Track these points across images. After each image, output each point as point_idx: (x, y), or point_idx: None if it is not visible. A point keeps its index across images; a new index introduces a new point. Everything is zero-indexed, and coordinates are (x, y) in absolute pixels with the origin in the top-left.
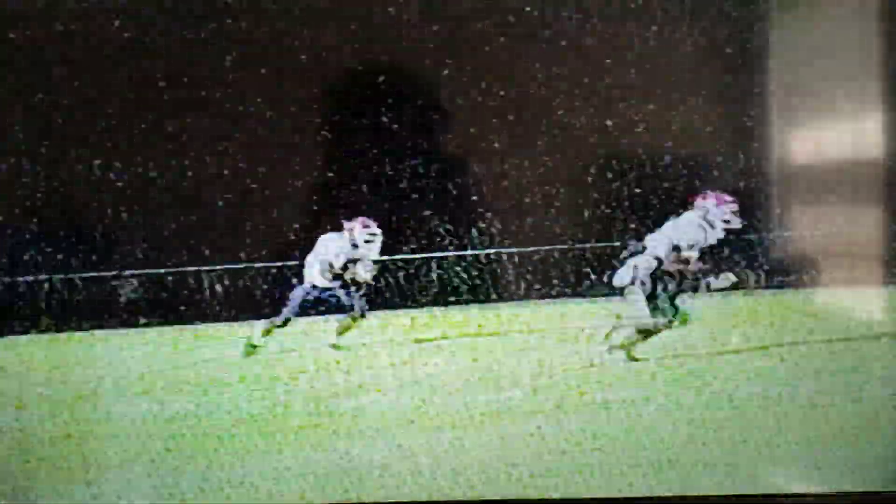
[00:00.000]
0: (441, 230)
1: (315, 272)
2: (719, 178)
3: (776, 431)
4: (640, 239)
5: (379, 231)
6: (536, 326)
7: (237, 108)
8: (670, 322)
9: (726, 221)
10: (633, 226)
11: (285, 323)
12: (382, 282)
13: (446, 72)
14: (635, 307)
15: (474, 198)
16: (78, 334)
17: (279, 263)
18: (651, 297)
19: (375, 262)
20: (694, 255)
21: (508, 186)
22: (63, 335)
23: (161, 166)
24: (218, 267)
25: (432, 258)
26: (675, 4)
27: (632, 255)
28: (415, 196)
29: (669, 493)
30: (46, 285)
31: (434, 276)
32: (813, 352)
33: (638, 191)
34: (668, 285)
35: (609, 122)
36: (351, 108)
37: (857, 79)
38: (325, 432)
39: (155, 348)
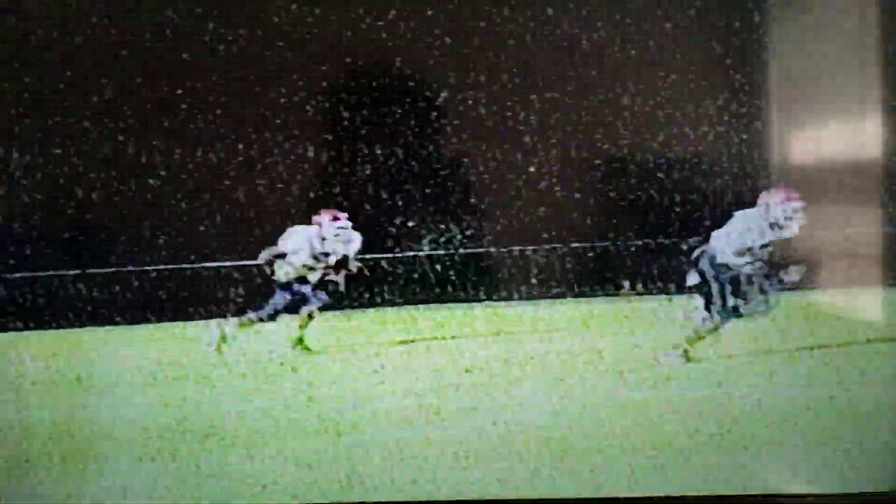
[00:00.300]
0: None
1: (288, 266)
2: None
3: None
4: (705, 238)
5: (349, 224)
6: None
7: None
8: (734, 317)
9: (788, 219)
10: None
11: (273, 316)
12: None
13: (443, 71)
14: (700, 305)
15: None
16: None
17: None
18: (716, 294)
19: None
20: (756, 251)
21: (522, 185)
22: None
23: (151, 165)
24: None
25: (478, 252)
26: (676, 6)
27: (700, 253)
28: (423, 196)
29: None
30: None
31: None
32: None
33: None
34: (731, 281)
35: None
36: (344, 105)
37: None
38: (327, 433)
39: (144, 347)
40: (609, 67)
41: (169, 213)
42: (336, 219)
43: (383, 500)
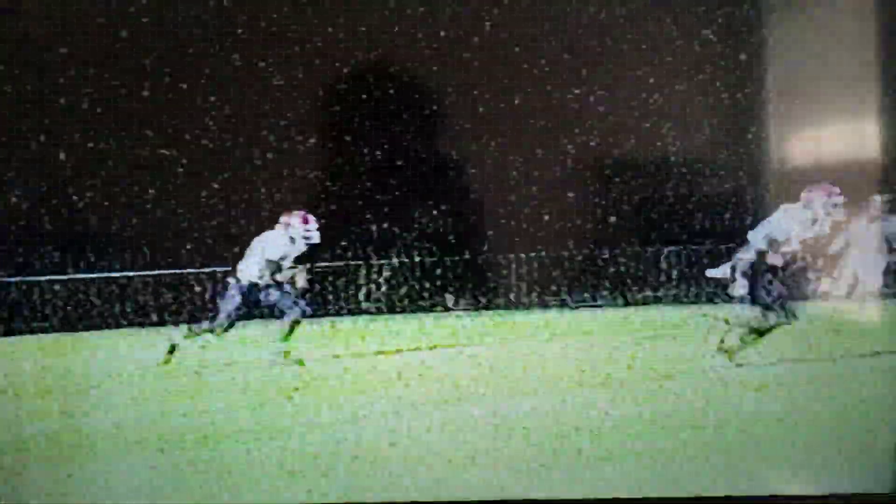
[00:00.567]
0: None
1: (254, 270)
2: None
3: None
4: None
5: (316, 226)
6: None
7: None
8: (784, 319)
9: (828, 214)
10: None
11: (229, 327)
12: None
13: (443, 72)
14: (740, 306)
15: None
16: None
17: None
18: (756, 293)
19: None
20: (798, 247)
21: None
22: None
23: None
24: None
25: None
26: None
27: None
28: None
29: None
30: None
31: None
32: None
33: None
34: (772, 280)
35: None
36: (343, 110)
37: None
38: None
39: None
40: (609, 67)
41: (162, 216)
42: (306, 221)
43: (383, 500)
